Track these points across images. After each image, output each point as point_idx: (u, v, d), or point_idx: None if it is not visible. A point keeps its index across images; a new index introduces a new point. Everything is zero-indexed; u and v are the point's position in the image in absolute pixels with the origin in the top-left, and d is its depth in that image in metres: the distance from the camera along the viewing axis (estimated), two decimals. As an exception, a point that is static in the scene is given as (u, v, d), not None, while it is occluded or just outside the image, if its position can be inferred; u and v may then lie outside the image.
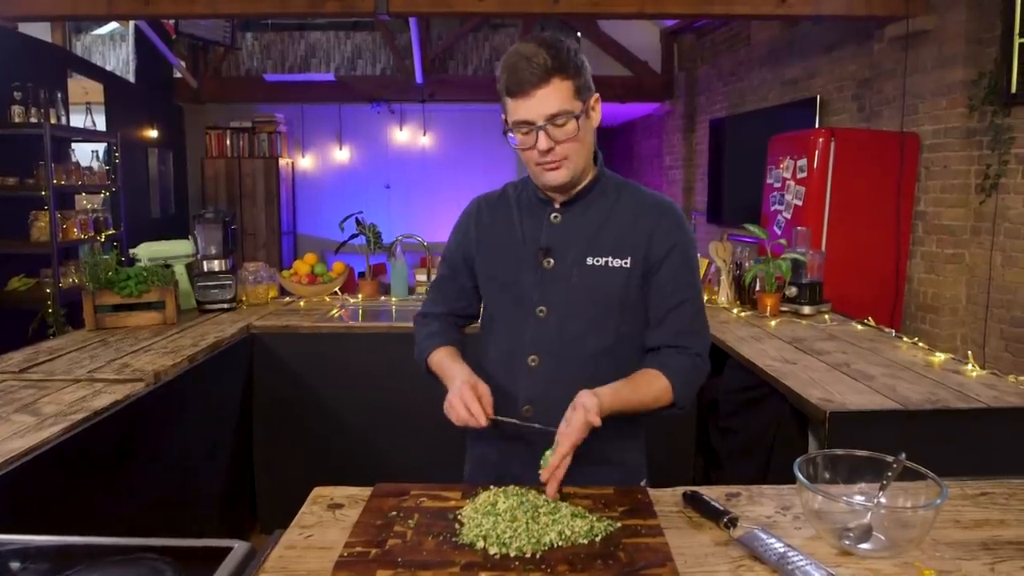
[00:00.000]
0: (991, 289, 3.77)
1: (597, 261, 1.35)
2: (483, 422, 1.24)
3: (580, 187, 1.37)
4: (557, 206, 1.39)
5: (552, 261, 1.36)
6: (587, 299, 1.36)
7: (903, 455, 1.14)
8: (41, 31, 5.63)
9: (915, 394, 1.88)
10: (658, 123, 8.86)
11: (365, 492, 1.25)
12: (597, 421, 1.18)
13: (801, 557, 1.02)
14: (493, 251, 1.43)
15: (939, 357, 2.25)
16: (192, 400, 2.30)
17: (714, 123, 7.06)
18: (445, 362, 1.41)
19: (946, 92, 3.90)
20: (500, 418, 1.28)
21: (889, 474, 1.13)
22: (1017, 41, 3.49)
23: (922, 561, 1.04)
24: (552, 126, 1.25)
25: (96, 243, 4.82)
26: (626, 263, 1.35)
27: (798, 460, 1.14)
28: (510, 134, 1.30)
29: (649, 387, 1.32)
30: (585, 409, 1.18)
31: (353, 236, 3.44)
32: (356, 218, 3.46)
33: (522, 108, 1.25)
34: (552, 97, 1.24)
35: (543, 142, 1.26)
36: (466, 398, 1.25)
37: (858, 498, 1.14)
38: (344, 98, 7.97)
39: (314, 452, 2.81)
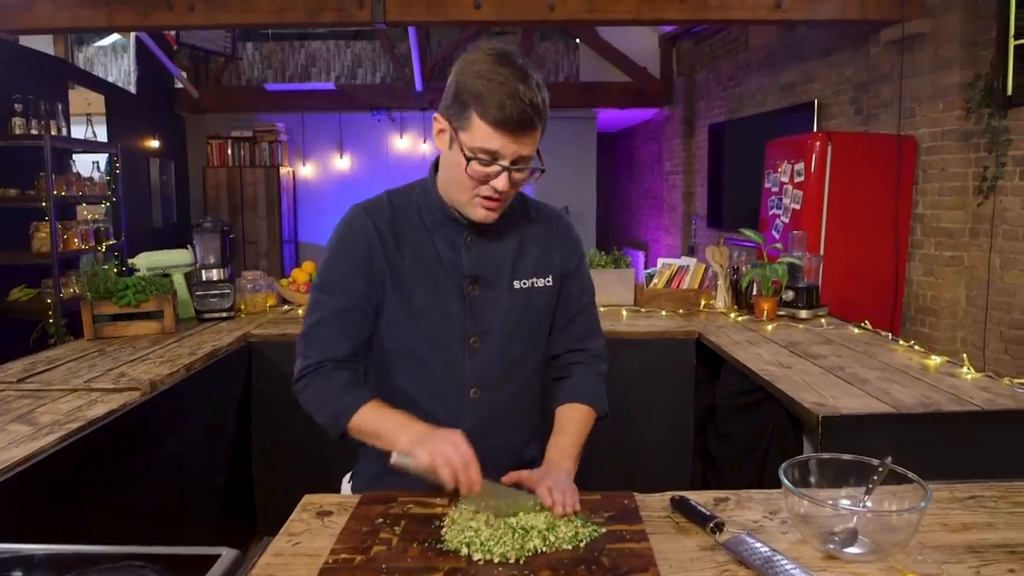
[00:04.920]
0: (990, 291, 3.76)
1: (524, 284, 1.33)
2: (476, 489, 1.12)
3: None
4: (470, 227, 1.30)
5: (478, 288, 1.30)
6: (520, 323, 1.34)
7: (888, 459, 1.14)
8: (43, 43, 5.68)
9: (908, 397, 1.88)
10: (658, 128, 8.88)
11: (354, 499, 1.26)
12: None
13: (786, 561, 1.03)
14: (409, 276, 1.29)
15: (935, 360, 2.25)
16: (189, 409, 2.31)
17: (713, 128, 7.07)
18: (385, 415, 1.23)
19: (943, 95, 3.91)
20: (488, 481, 1.17)
21: (875, 478, 1.14)
22: (1012, 43, 3.50)
23: (906, 565, 1.04)
24: (515, 170, 1.20)
25: (97, 253, 4.85)
26: (549, 281, 1.36)
27: (783, 465, 1.15)
28: (467, 156, 1.17)
29: (582, 424, 1.37)
30: (569, 477, 1.25)
31: (351, 244, 3.46)
32: (354, 226, 3.47)
33: (496, 140, 1.16)
34: (529, 144, 1.19)
35: (503, 183, 1.19)
36: (458, 464, 1.11)
37: (844, 502, 1.14)
38: (344, 107, 8.02)
39: (313, 461, 2.80)
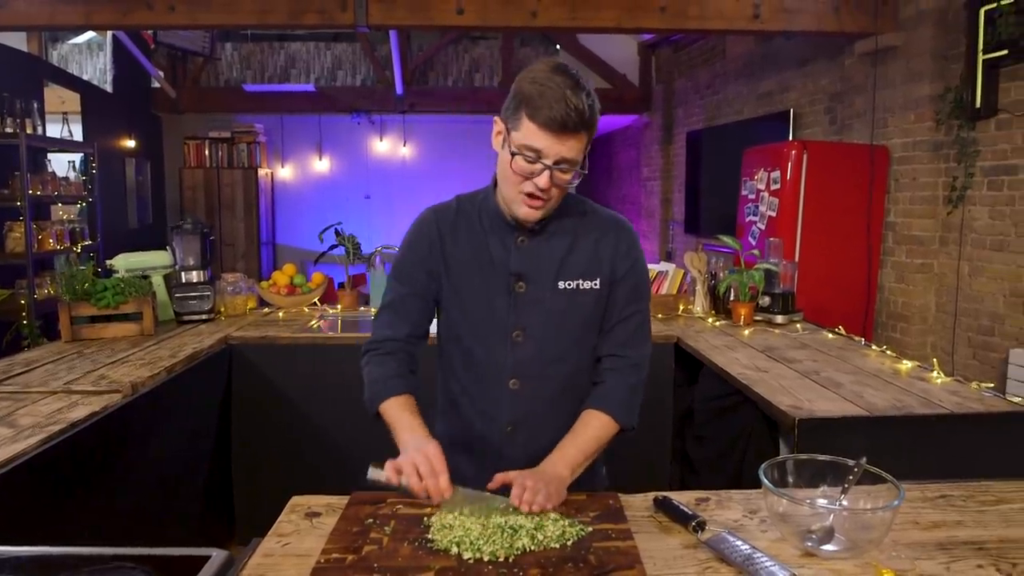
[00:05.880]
0: (959, 298, 3.86)
1: (569, 284, 1.38)
2: (447, 495, 1.18)
3: None
4: (521, 229, 1.38)
5: (524, 285, 1.37)
6: (563, 322, 1.39)
7: (863, 459, 1.19)
8: (17, 40, 5.59)
9: (881, 401, 1.94)
10: (636, 134, 8.97)
11: (342, 500, 1.27)
12: (560, 500, 1.23)
13: (766, 558, 1.06)
14: (462, 272, 1.40)
15: (906, 365, 2.31)
16: (170, 411, 2.30)
17: (691, 135, 7.16)
18: (402, 417, 1.34)
19: (914, 106, 4.01)
20: (460, 490, 1.21)
21: (850, 477, 1.18)
22: (981, 58, 3.60)
23: (880, 561, 1.08)
24: (558, 170, 1.27)
25: (72, 254, 4.79)
26: (595, 284, 1.40)
27: (763, 465, 1.18)
28: (514, 156, 1.27)
29: (597, 431, 1.38)
30: (559, 482, 1.25)
31: (333, 247, 3.45)
32: (336, 229, 3.47)
33: (542, 139, 1.24)
34: (573, 148, 1.26)
35: (545, 180, 1.26)
36: (424, 471, 1.19)
37: (821, 501, 1.18)
38: (324, 109, 7.99)
39: (292, 463, 2.81)
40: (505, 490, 1.23)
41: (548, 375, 1.40)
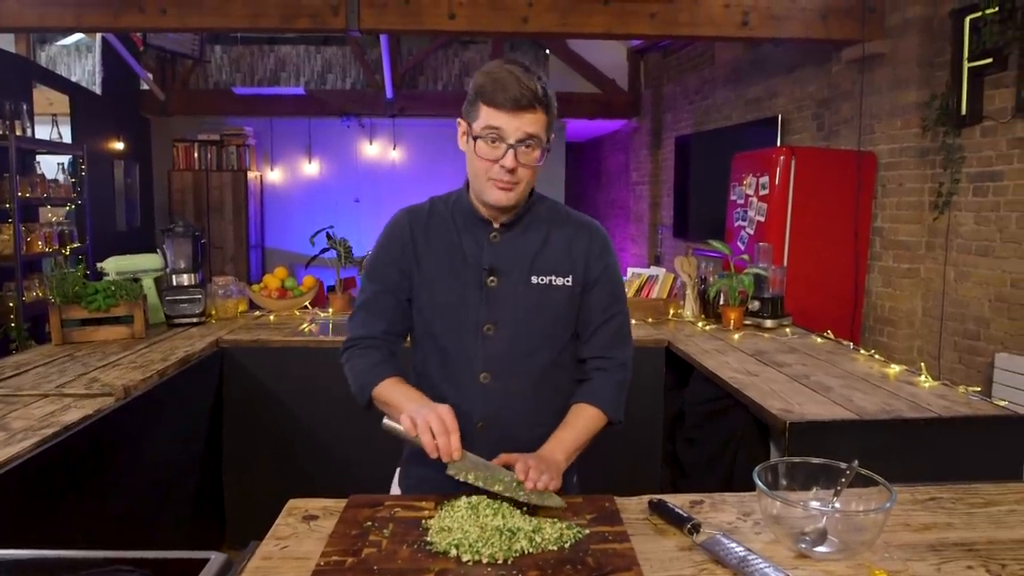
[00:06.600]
0: (945, 303, 3.91)
1: (541, 280, 1.41)
2: (456, 456, 1.21)
3: (518, 209, 1.42)
4: (496, 226, 1.42)
5: (496, 280, 1.40)
6: (535, 316, 1.41)
7: (855, 462, 1.20)
8: (5, 42, 5.56)
9: (870, 404, 1.96)
10: (625, 139, 9.01)
11: (340, 504, 1.28)
12: (558, 485, 1.26)
13: (760, 560, 1.07)
14: (435, 270, 1.43)
15: (894, 369, 2.34)
16: (162, 415, 2.29)
17: (680, 140, 7.20)
18: (399, 389, 1.36)
19: (900, 113, 4.06)
20: (469, 455, 1.25)
21: (843, 480, 1.19)
22: (966, 65, 3.66)
23: (873, 563, 1.10)
24: (523, 148, 1.31)
25: (61, 256, 4.75)
26: (568, 281, 1.43)
27: (757, 468, 1.20)
28: (476, 140, 1.32)
29: (588, 423, 1.42)
30: (556, 468, 1.28)
31: (324, 250, 3.45)
32: (327, 232, 3.47)
33: (499, 118, 1.30)
34: (533, 123, 1.31)
35: (510, 160, 1.31)
36: (437, 429, 1.21)
37: (814, 503, 1.19)
38: (314, 112, 7.98)
39: (284, 466, 2.80)
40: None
41: (519, 370, 1.42)
